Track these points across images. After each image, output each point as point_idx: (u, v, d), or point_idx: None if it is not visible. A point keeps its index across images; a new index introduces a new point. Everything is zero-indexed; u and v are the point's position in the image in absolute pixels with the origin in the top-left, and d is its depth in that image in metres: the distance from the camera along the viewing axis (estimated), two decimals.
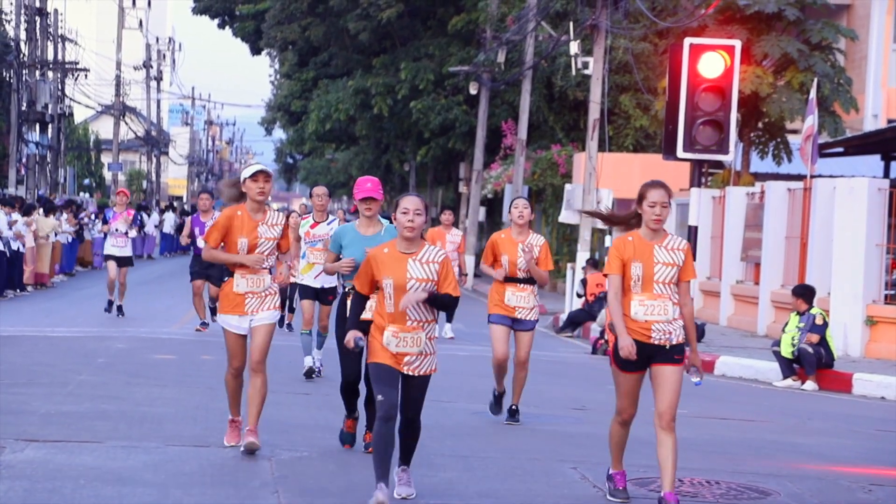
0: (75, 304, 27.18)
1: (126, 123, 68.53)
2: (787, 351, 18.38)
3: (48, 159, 52.83)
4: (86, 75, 55.22)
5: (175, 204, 74.58)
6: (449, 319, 22.37)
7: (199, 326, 20.92)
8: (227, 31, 57.50)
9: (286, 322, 21.83)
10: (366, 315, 9.27)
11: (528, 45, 38.11)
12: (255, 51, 57.32)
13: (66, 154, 59.63)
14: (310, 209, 16.92)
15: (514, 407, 12.89)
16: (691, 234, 21.24)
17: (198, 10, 56.48)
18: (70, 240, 35.36)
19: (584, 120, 33.82)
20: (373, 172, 57.98)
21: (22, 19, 48.25)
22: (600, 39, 28.76)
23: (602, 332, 22.14)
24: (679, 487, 9.44)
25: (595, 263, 26.62)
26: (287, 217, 10.65)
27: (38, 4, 50.04)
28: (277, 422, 11.73)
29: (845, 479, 10.65)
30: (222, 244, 10.35)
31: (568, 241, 38.20)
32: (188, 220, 21.63)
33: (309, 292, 15.53)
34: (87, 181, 72.91)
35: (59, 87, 53.44)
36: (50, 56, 52.54)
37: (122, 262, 23.52)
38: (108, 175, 72.81)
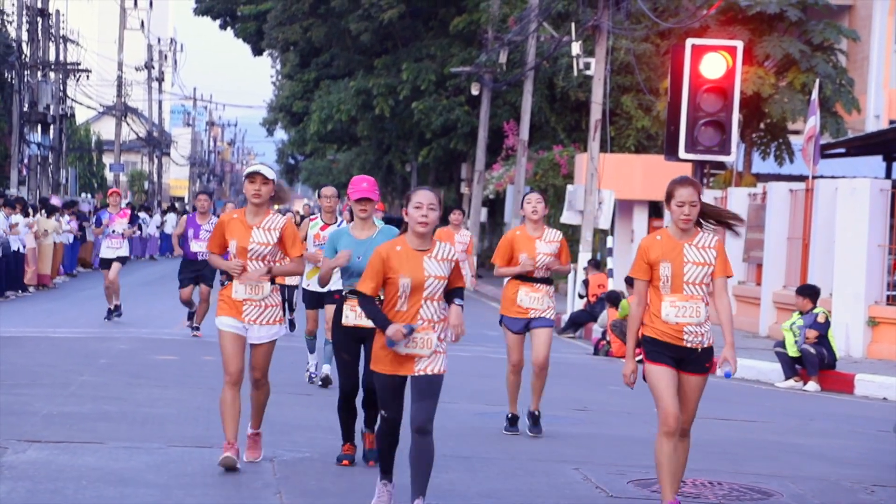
0: (77, 304, 27.17)
1: (128, 124, 68.52)
2: (791, 349, 18.35)
3: (50, 160, 52.85)
4: (87, 76, 55.23)
5: (176, 205, 74.59)
6: None
7: (195, 332, 20.60)
8: (229, 32, 57.55)
9: (288, 318, 21.65)
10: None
11: (530, 46, 38.12)
12: (257, 52, 57.39)
13: (68, 155, 59.62)
14: (313, 210, 16.77)
15: (535, 413, 12.10)
16: None
17: (199, 11, 56.54)
18: (71, 240, 35.37)
19: (586, 121, 33.79)
20: (374, 173, 57.93)
21: (24, 20, 48.28)
22: (602, 40, 28.75)
23: (604, 333, 22.12)
24: (681, 488, 9.42)
25: (597, 264, 26.61)
26: (288, 220, 10.40)
27: (39, 5, 50.05)
28: (279, 422, 11.71)
29: (847, 480, 10.64)
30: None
31: (570, 241, 38.15)
32: (183, 217, 21.35)
33: (314, 299, 14.88)
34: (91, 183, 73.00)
35: (61, 88, 53.43)
36: (52, 57, 52.54)
37: (118, 260, 22.96)
38: (109, 176, 72.81)
